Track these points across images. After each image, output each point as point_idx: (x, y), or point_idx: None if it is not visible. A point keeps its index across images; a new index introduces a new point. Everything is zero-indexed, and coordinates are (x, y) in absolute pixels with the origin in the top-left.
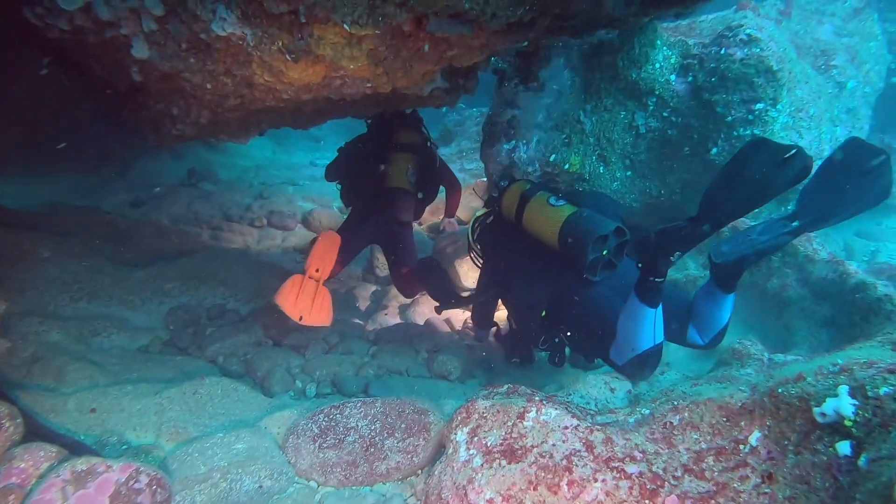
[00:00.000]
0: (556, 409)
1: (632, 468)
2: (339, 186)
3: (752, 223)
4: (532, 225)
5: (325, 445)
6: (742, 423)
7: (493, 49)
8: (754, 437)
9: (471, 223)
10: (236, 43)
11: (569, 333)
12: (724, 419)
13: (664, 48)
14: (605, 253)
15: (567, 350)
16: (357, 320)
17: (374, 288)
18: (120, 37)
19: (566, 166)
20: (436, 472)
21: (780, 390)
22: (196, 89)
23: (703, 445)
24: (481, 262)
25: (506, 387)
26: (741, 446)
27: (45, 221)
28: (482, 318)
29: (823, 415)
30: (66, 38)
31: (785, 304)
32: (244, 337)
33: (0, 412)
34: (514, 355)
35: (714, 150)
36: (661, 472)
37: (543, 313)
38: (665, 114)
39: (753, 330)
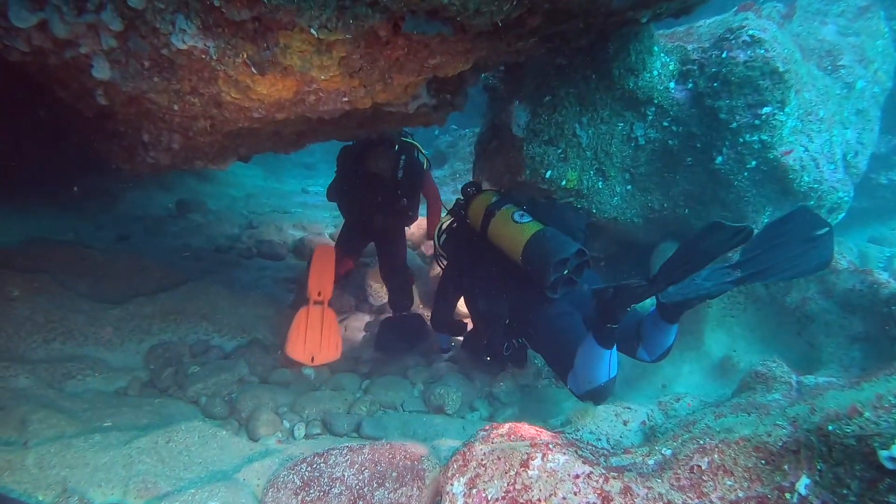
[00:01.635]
0: (564, 454)
1: None
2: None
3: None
4: (497, 239)
5: (308, 499)
6: (785, 467)
7: (478, 55)
8: (803, 485)
9: (437, 228)
10: (199, 57)
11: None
12: (763, 462)
13: (662, 55)
14: (565, 272)
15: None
16: (349, 352)
17: (367, 318)
18: (80, 57)
19: (563, 182)
20: None
21: (830, 427)
22: (164, 112)
23: (740, 494)
24: (444, 265)
25: (507, 426)
26: (787, 495)
27: (15, 258)
28: (440, 320)
29: (893, 459)
30: (27, 62)
31: (807, 320)
32: (228, 375)
33: None
34: (482, 355)
35: (719, 158)
36: None
37: (507, 321)
38: (665, 123)
39: (772, 349)
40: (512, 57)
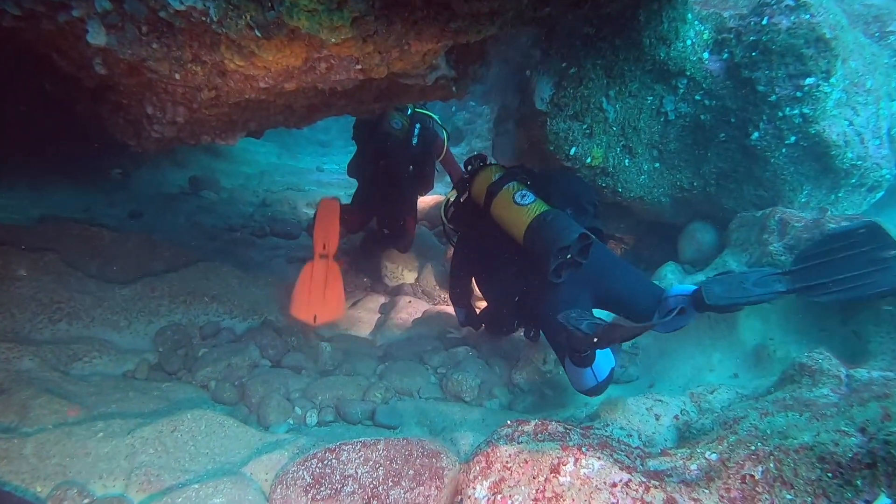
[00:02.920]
0: (598, 458)
1: None
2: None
3: (746, 269)
4: (499, 220)
5: (318, 497)
6: (857, 483)
7: (503, 19)
8: None
9: (443, 204)
10: (199, 20)
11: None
12: (830, 475)
13: (696, 22)
14: (568, 256)
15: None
16: (363, 335)
17: (382, 300)
18: (75, 21)
19: (588, 160)
20: None
21: None
22: (166, 82)
23: None
24: (455, 242)
25: (533, 423)
26: None
27: (24, 236)
28: (459, 297)
29: None
30: (22, 28)
31: (854, 307)
32: (238, 359)
33: None
34: (494, 331)
35: (755, 134)
36: None
37: (516, 299)
38: (697, 97)
39: (812, 338)
40: (538, 24)
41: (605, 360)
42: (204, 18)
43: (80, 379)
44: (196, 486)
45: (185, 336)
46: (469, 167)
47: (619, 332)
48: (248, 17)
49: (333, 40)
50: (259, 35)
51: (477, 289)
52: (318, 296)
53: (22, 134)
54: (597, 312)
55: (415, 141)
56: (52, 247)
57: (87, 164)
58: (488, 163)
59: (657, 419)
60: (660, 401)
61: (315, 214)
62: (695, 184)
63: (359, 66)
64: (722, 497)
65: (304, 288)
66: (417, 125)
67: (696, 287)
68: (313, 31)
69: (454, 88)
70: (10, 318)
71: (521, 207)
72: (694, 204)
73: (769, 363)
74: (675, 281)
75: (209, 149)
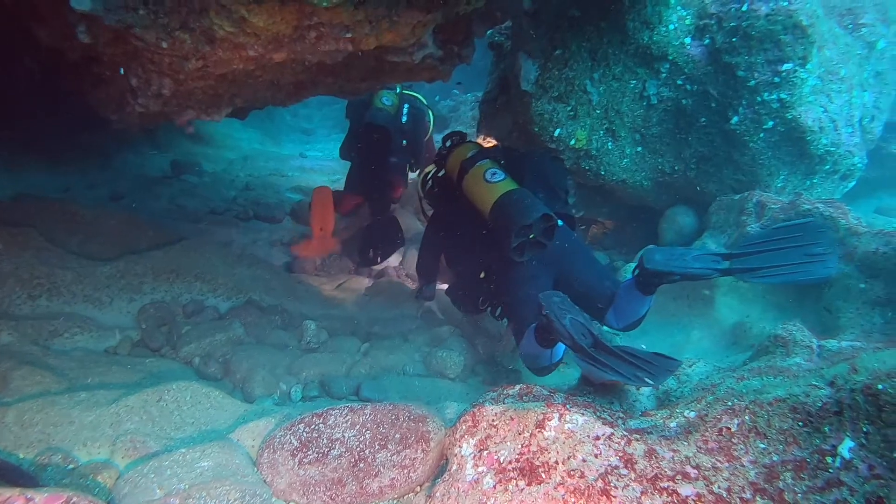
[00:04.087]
0: (582, 414)
1: (686, 489)
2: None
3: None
4: (469, 196)
5: (306, 461)
6: (825, 429)
7: None
8: (845, 448)
9: (420, 177)
10: None
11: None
12: (800, 424)
13: (679, 8)
14: (531, 237)
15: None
16: (348, 316)
17: (366, 282)
18: None
19: (572, 142)
20: (437, 495)
21: (880, 387)
22: (152, 51)
23: (775, 458)
24: (429, 215)
25: (518, 387)
26: (828, 458)
27: (1, 212)
28: (425, 270)
29: None
30: None
31: (825, 284)
32: (222, 336)
33: None
34: (461, 308)
35: (735, 118)
36: (724, 494)
37: (482, 274)
38: (679, 81)
39: (787, 314)
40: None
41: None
42: None
43: (61, 354)
44: (183, 451)
45: (168, 313)
46: (447, 142)
47: (592, 349)
48: None
49: (325, 4)
50: None
51: (445, 264)
52: (319, 248)
53: None
54: None
55: (404, 118)
56: (31, 223)
57: (66, 143)
58: (466, 140)
59: (637, 389)
60: None
61: (310, 203)
62: (676, 168)
63: (349, 35)
64: (700, 448)
65: (304, 247)
66: (406, 104)
67: (642, 252)
68: None
69: (441, 68)
70: None
71: (490, 184)
72: (675, 188)
73: (746, 339)
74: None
75: (190, 134)
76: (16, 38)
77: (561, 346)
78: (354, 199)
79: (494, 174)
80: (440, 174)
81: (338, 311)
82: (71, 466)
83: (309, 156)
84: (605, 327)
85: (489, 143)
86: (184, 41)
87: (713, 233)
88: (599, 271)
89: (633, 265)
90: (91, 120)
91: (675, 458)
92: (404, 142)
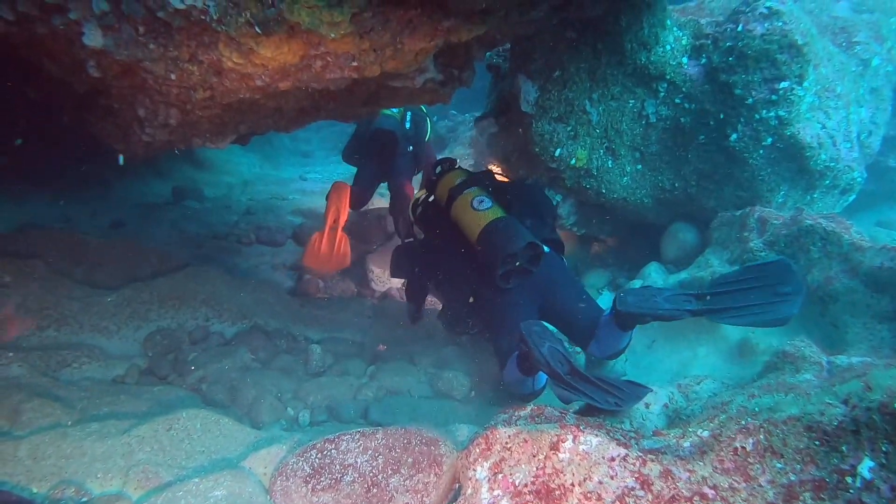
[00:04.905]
0: (596, 435)
1: None
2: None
3: (662, 286)
4: (457, 222)
5: (318, 487)
6: (843, 448)
7: (495, 15)
8: (865, 468)
9: (412, 202)
10: (198, 18)
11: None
12: (817, 443)
13: (675, 28)
14: (517, 264)
15: None
16: (352, 338)
17: (369, 303)
18: (70, 24)
19: (572, 161)
20: None
21: None
22: (160, 83)
23: (793, 478)
24: (421, 239)
25: (529, 408)
26: (848, 478)
27: (7, 243)
28: (414, 293)
29: None
30: (13, 33)
31: (831, 299)
32: (229, 362)
33: None
34: (449, 330)
35: (734, 135)
36: None
37: (471, 300)
38: (677, 100)
39: (792, 330)
40: (523, 28)
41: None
42: (203, 17)
43: (70, 384)
44: (196, 481)
45: (174, 340)
46: (437, 169)
47: (568, 377)
48: (248, 14)
49: (333, 35)
50: (259, 31)
51: (436, 287)
52: (328, 254)
53: None
54: None
55: (408, 124)
56: (37, 254)
57: (65, 174)
58: (456, 167)
59: (647, 407)
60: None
61: (328, 195)
62: (676, 185)
63: (354, 64)
64: (716, 468)
65: (315, 247)
66: (409, 112)
67: (616, 294)
68: (313, 26)
69: (441, 91)
70: None
71: (476, 212)
72: (676, 204)
73: (752, 355)
74: (658, 280)
75: (191, 159)
76: (20, 71)
77: (542, 377)
78: (363, 196)
79: (482, 202)
80: (430, 200)
81: (342, 333)
82: (84, 499)
83: (309, 178)
84: (587, 354)
85: (496, 169)
86: (192, 73)
87: (715, 249)
88: (583, 299)
89: (609, 296)
90: (91, 151)
91: (692, 479)
92: (410, 147)
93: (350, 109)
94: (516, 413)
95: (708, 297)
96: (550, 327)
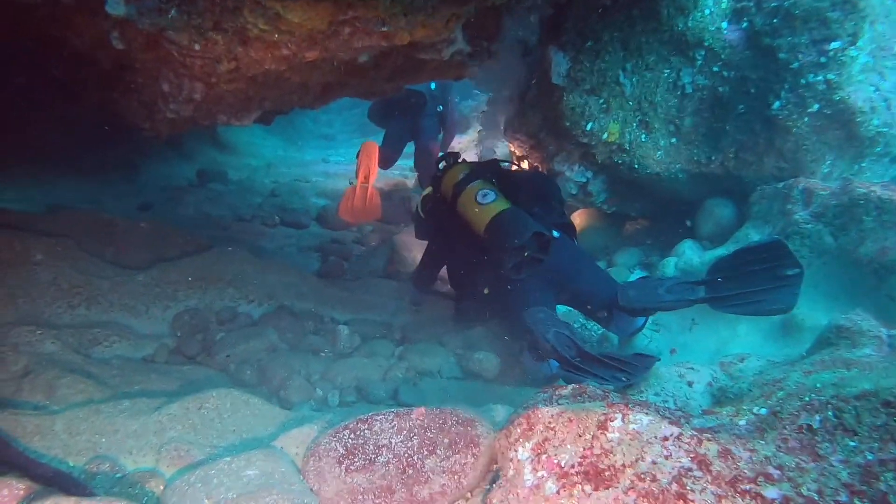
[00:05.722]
0: (646, 413)
1: (771, 492)
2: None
3: (662, 277)
4: (464, 217)
5: (352, 468)
6: None
7: None
8: None
9: (420, 198)
10: None
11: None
12: None
13: None
14: (526, 254)
15: None
16: (379, 319)
17: (395, 284)
18: None
19: (605, 136)
20: (494, 501)
21: None
22: (184, 55)
23: (870, 457)
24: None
25: (570, 387)
26: None
27: (37, 223)
28: (422, 281)
29: None
30: (38, 5)
31: (887, 271)
32: (257, 342)
33: None
34: (463, 319)
35: (777, 103)
36: (815, 497)
37: (486, 290)
38: (715, 68)
39: (842, 304)
40: None
41: None
42: None
43: (101, 362)
44: (228, 460)
45: (202, 321)
46: (441, 164)
47: (576, 360)
48: None
49: None
50: None
51: (449, 278)
52: (360, 204)
53: (24, 125)
54: (560, 308)
55: (433, 85)
56: (67, 233)
57: (91, 156)
58: (459, 161)
59: (690, 385)
60: (691, 368)
61: (358, 153)
62: (713, 158)
63: (384, 28)
64: (779, 447)
65: (348, 201)
66: None
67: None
68: None
69: (469, 65)
70: (30, 302)
71: (481, 206)
72: (712, 179)
73: (798, 332)
74: (694, 258)
75: (216, 142)
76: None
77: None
78: (393, 155)
79: (486, 195)
80: (437, 195)
81: (369, 314)
82: (119, 475)
83: (331, 160)
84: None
85: (518, 152)
86: (216, 42)
87: (755, 223)
88: (601, 278)
89: (640, 275)
90: (115, 133)
91: (754, 459)
92: (440, 108)
93: (376, 85)
94: (557, 392)
95: (710, 284)
96: (566, 309)
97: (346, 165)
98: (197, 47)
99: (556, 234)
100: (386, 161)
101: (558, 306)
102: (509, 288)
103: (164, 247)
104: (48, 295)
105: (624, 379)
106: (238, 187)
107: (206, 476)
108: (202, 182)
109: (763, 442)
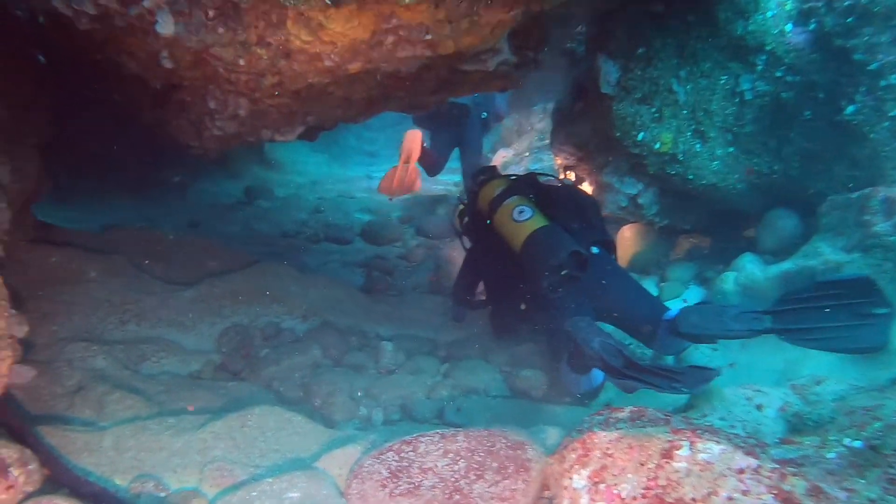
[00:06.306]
0: (717, 442)
1: None
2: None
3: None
4: (500, 233)
5: (397, 492)
6: None
7: None
8: None
9: (457, 213)
10: None
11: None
12: None
13: None
14: (563, 273)
15: None
16: (424, 335)
17: (439, 299)
18: (145, 14)
19: (657, 146)
20: None
21: None
22: (229, 70)
23: None
24: (467, 248)
25: (627, 410)
26: None
27: (93, 241)
28: (457, 295)
29: None
30: (96, 30)
31: None
32: (301, 359)
33: (7, 457)
34: (499, 334)
35: (850, 108)
36: None
37: (523, 306)
38: (778, 73)
39: None
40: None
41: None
42: None
43: (149, 377)
44: (270, 481)
45: (247, 337)
46: (479, 177)
47: (625, 369)
48: None
49: (406, 1)
50: (329, 2)
51: (485, 293)
52: (399, 179)
53: (87, 150)
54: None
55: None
56: (119, 250)
57: (145, 178)
58: (495, 175)
59: (759, 409)
60: (759, 391)
61: (403, 139)
62: (775, 167)
63: (428, 37)
64: (886, 489)
65: (390, 177)
66: None
67: (677, 312)
68: None
69: (514, 76)
70: (82, 316)
71: (518, 224)
72: (773, 189)
73: (884, 354)
74: (756, 272)
75: (262, 160)
76: (103, 73)
77: (598, 374)
78: (441, 161)
79: (522, 212)
80: (474, 210)
81: (414, 330)
82: (163, 494)
83: (375, 177)
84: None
85: (563, 162)
86: (260, 56)
87: (825, 235)
88: (640, 296)
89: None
90: (167, 156)
91: (853, 500)
92: (484, 114)
93: (419, 98)
94: (613, 415)
95: (777, 315)
96: (610, 328)
97: None
98: (241, 62)
99: (595, 250)
100: (433, 167)
101: (599, 324)
102: (546, 304)
103: (210, 263)
104: (101, 311)
105: (685, 389)
106: (283, 204)
107: (248, 498)
108: (250, 199)
109: (863, 481)
